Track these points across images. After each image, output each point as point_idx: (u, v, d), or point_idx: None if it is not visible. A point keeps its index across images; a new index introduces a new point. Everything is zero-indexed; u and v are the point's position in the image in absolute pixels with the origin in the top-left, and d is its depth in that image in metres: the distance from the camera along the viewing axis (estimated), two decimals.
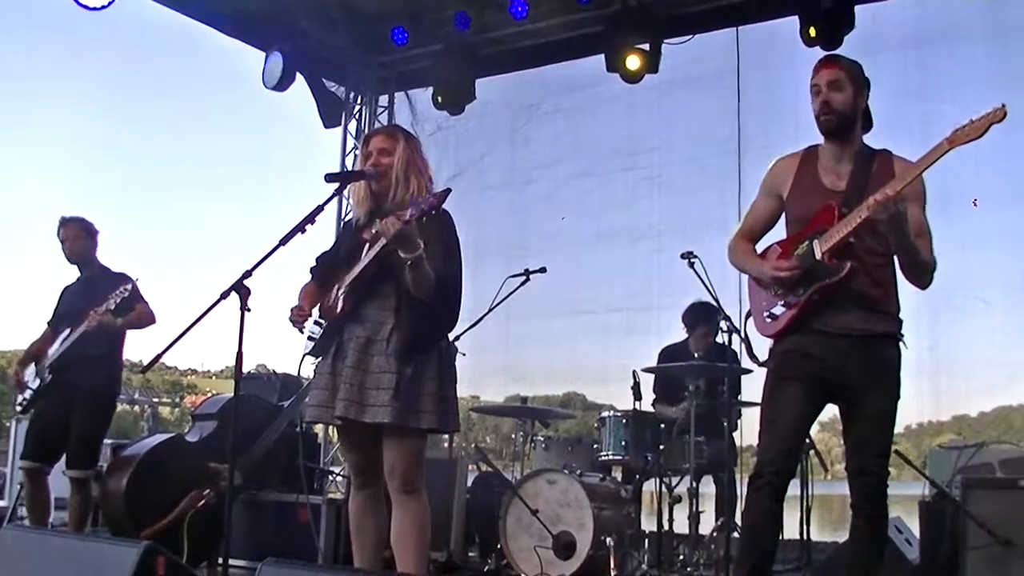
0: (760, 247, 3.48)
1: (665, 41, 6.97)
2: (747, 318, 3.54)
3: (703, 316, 5.77)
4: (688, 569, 4.89)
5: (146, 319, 5.29)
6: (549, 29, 7.46)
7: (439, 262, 3.31)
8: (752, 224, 3.52)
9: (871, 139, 3.33)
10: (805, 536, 4.84)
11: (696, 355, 5.68)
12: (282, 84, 7.42)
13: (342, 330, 3.43)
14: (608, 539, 4.69)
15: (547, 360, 8.26)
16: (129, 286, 5.09)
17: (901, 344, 3.28)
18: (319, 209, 3.25)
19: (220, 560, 3.45)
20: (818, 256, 3.17)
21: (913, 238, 3.06)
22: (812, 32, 6.25)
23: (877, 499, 3.21)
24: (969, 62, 6.40)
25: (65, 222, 5.39)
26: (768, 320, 3.35)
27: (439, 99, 7.81)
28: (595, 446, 5.41)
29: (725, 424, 5.24)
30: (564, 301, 7.71)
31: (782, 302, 3.29)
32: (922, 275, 3.19)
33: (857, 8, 6.26)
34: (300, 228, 3.18)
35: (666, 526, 5.04)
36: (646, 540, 5.24)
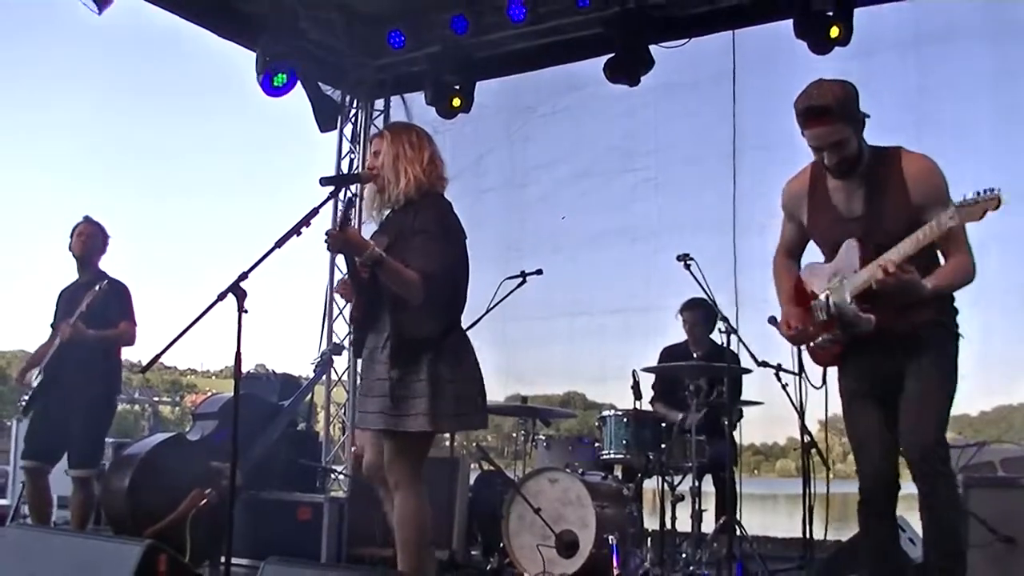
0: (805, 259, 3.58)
1: (662, 44, 6.98)
2: (771, 322, 3.63)
3: (687, 305, 5.88)
4: (691, 568, 4.88)
5: (125, 340, 5.31)
6: (547, 31, 7.46)
7: (420, 260, 3.37)
8: (787, 243, 3.61)
9: (871, 135, 3.29)
10: (807, 535, 4.85)
11: (696, 355, 5.71)
12: (281, 90, 7.40)
13: (363, 340, 3.57)
14: (610, 537, 4.69)
15: (545, 362, 8.24)
16: (103, 286, 5.06)
17: (950, 328, 3.25)
18: (314, 212, 3.27)
19: (223, 559, 3.46)
20: (848, 301, 3.21)
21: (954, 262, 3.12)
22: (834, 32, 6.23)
23: (927, 469, 3.13)
24: (968, 62, 6.38)
25: (86, 221, 5.46)
26: (820, 352, 3.41)
27: (444, 101, 7.74)
28: (596, 445, 5.42)
29: (725, 424, 5.25)
30: (562, 302, 7.70)
31: (828, 335, 3.34)
32: (959, 288, 3.22)
33: (856, 8, 6.26)
34: (295, 231, 3.21)
35: (668, 524, 5.04)
36: (648, 538, 5.24)
